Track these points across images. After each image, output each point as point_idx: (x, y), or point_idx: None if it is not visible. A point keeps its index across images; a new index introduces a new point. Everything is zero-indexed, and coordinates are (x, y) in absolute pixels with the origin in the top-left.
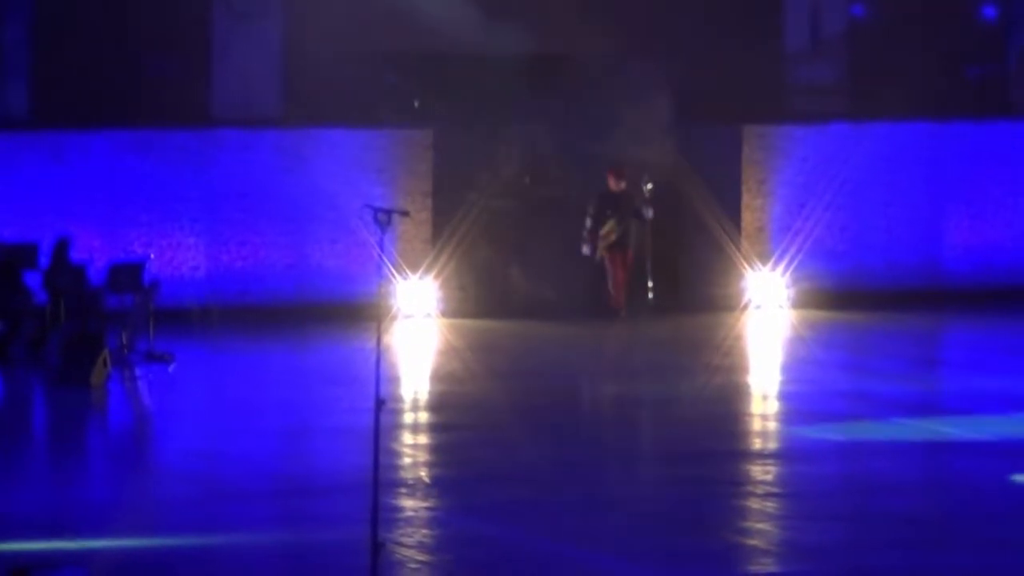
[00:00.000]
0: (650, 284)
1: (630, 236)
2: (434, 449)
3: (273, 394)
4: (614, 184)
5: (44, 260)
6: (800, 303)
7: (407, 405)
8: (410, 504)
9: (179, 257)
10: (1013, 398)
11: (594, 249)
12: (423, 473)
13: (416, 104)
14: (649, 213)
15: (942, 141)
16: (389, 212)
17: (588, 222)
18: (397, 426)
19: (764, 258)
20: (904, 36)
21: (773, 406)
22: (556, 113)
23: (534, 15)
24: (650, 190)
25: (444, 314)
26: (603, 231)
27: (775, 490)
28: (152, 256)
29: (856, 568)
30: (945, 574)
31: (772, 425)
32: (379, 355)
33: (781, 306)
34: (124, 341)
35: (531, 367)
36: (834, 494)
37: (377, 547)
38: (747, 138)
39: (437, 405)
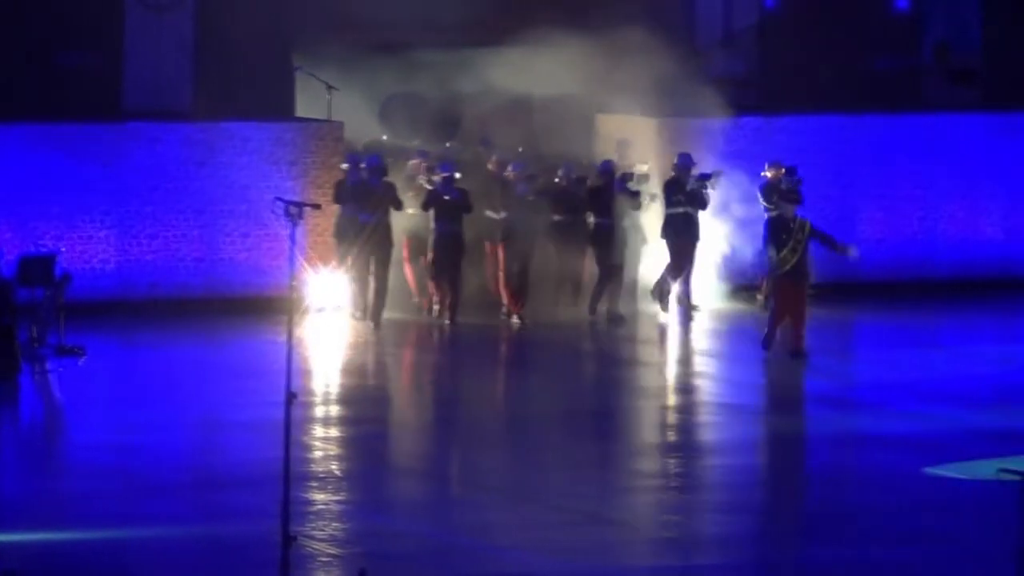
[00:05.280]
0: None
1: (807, 267)
2: (345, 443)
3: (184, 388)
4: (787, 210)
5: None
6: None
7: (318, 399)
8: (321, 498)
9: (90, 250)
10: (925, 391)
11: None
12: (334, 467)
13: (329, 95)
14: None
15: (854, 134)
16: (300, 205)
17: (762, 245)
18: (308, 420)
19: None
20: (816, 29)
21: (688, 400)
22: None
23: (455, 5)
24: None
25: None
26: (776, 258)
27: (690, 483)
28: (63, 249)
29: (769, 560)
30: (858, 566)
31: (687, 418)
32: (290, 349)
33: (695, 303)
34: (34, 334)
35: (442, 362)
36: (748, 487)
37: (288, 540)
38: (660, 131)
39: (348, 399)
